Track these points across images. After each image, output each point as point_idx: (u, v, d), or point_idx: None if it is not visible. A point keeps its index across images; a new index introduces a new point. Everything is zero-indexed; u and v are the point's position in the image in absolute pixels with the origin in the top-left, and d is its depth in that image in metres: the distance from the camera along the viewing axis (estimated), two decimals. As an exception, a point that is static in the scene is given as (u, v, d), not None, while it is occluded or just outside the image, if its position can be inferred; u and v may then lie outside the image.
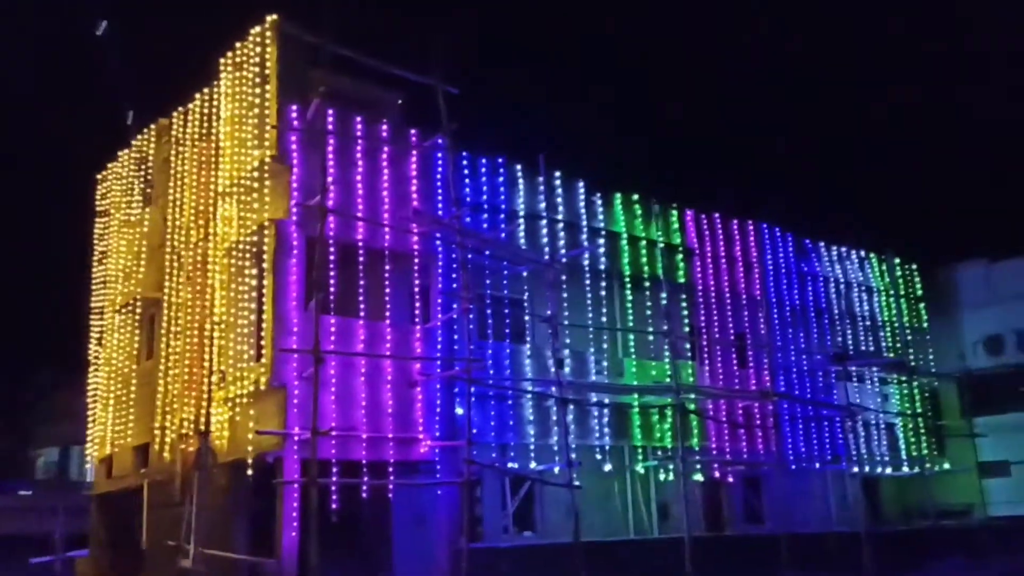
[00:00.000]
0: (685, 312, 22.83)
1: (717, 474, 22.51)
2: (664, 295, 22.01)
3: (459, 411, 17.48)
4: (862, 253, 28.94)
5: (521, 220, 20.07)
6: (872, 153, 58.82)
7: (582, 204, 21.56)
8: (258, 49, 17.35)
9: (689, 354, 22.63)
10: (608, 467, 20.41)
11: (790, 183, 45.86)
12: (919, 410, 28.49)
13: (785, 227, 26.47)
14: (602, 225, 21.85)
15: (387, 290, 17.02)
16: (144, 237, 21.78)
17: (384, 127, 17.84)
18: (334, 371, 15.69)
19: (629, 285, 21.92)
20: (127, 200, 22.94)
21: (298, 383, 15.29)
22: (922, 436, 28.20)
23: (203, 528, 16.68)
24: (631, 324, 21.69)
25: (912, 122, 59.30)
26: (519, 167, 20.46)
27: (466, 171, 19.44)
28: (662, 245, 22.67)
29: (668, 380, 20.71)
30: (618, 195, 22.51)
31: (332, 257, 16.16)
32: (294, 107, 16.70)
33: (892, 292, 29.17)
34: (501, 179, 20.11)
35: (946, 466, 28.35)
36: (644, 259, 22.36)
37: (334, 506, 15.04)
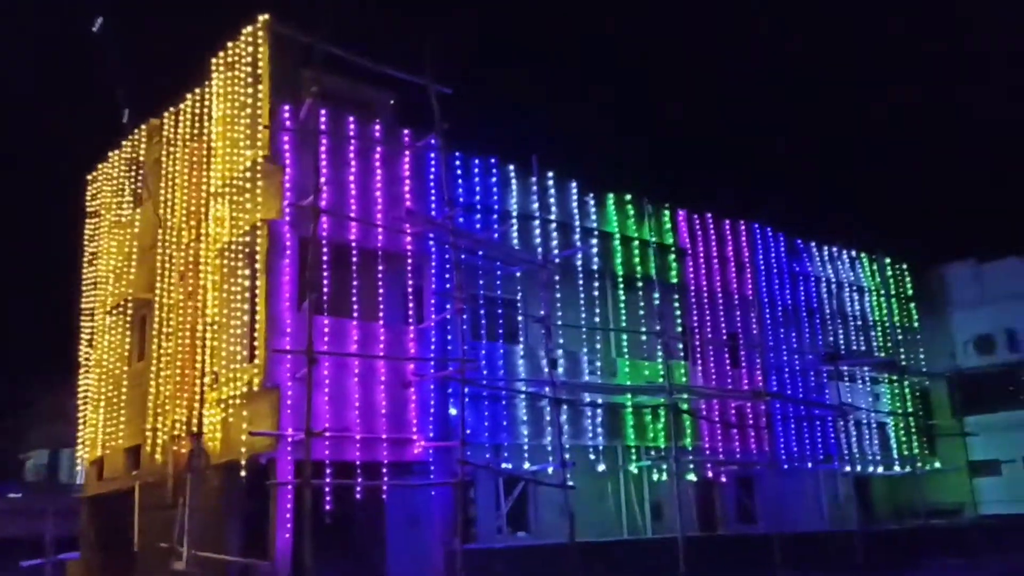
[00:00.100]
0: (678, 312, 22.85)
1: (710, 474, 22.54)
2: (657, 295, 22.04)
3: (453, 411, 17.47)
4: (853, 253, 29.04)
5: (514, 220, 20.07)
6: (863, 154, 59.09)
7: (575, 204, 21.57)
8: (250, 49, 17.29)
9: (682, 354, 22.67)
10: (602, 467, 20.41)
11: (781, 184, 46.03)
12: (910, 409, 28.62)
13: (777, 227, 26.55)
14: (595, 225, 21.86)
15: (380, 290, 16.96)
16: (135, 238, 21.68)
17: (377, 127, 17.80)
18: (327, 372, 15.65)
19: (622, 285, 21.94)
20: (118, 201, 22.84)
21: (291, 384, 15.24)
22: (913, 435, 28.33)
23: (196, 530, 16.60)
24: (624, 324, 21.70)
25: (903, 123, 59.61)
26: (512, 167, 20.45)
27: (459, 171, 19.44)
28: (655, 245, 22.68)
29: (661, 380, 20.76)
30: (611, 195, 22.53)
31: (325, 257, 16.11)
32: (286, 107, 16.64)
33: (883, 292, 29.29)
34: (494, 179, 20.10)
35: (937, 465, 28.47)
36: (637, 259, 22.38)
37: (328, 507, 14.98)
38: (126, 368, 21.11)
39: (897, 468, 27.44)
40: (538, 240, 20.26)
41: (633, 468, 21.30)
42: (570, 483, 17.51)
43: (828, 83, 62.60)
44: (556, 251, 20.31)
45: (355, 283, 16.58)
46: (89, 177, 24.32)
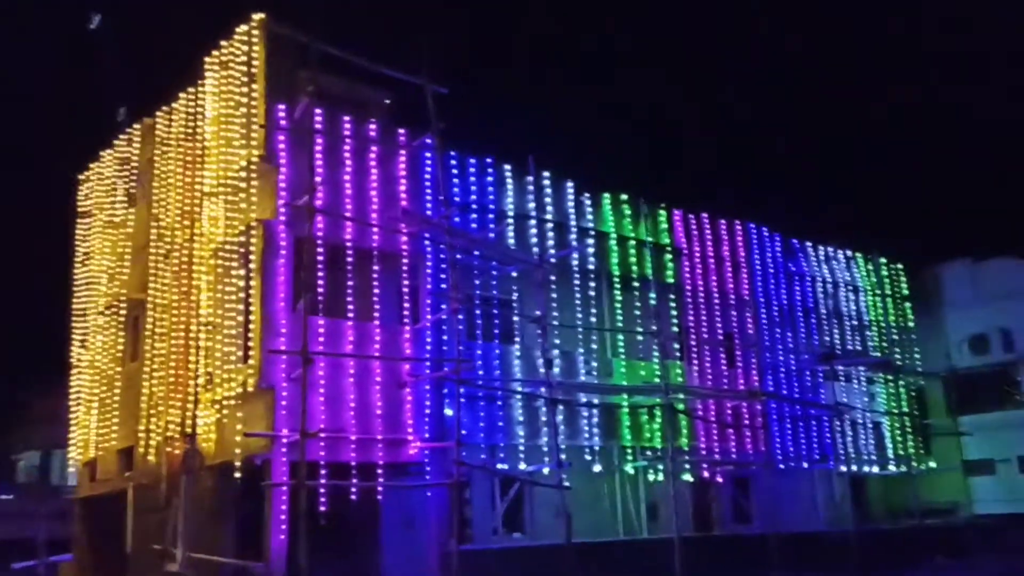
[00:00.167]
0: (674, 312, 22.81)
1: (706, 474, 22.51)
2: (653, 295, 22.00)
3: (448, 412, 17.39)
4: (849, 253, 29.06)
5: (510, 220, 20.00)
6: (858, 154, 59.20)
7: (571, 204, 21.50)
8: (245, 48, 17.19)
9: (678, 354, 22.62)
10: (597, 467, 20.35)
11: (777, 184, 46.08)
12: (905, 409, 28.65)
13: (773, 227, 26.55)
14: (591, 225, 21.81)
15: (376, 290, 16.89)
16: (128, 238, 21.55)
17: (372, 127, 17.72)
18: (323, 372, 15.56)
19: (618, 285, 21.89)
20: (110, 201, 22.69)
21: (286, 384, 15.15)
22: (908, 435, 28.35)
23: (190, 531, 16.48)
24: (620, 324, 21.64)
25: (899, 123, 59.76)
26: (508, 167, 20.38)
27: (455, 171, 19.35)
28: (651, 245, 22.64)
29: (657, 380, 20.70)
30: (607, 195, 22.47)
31: (320, 257, 16.04)
32: (282, 106, 16.55)
33: (878, 292, 29.31)
34: (490, 179, 20.02)
35: (932, 465, 28.51)
36: (633, 259, 22.33)
37: (323, 508, 14.91)
38: (119, 369, 20.97)
39: (892, 468, 27.46)
40: (534, 240, 20.20)
41: (629, 468, 21.25)
42: (566, 484, 17.44)
43: (823, 83, 62.78)
44: (552, 251, 20.25)
45: (350, 283, 16.51)
46: (81, 177, 24.16)
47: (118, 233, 22.03)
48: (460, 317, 16.93)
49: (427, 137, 17.59)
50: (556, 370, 19.28)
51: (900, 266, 30.64)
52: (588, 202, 21.95)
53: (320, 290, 15.94)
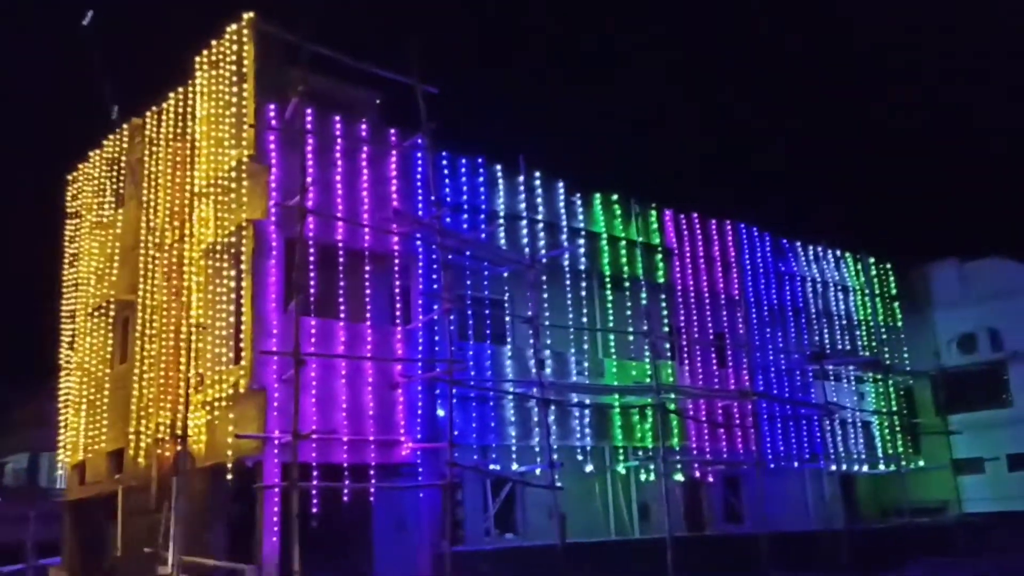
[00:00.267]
0: (665, 312, 22.84)
1: (697, 474, 22.54)
2: (644, 295, 22.02)
3: (440, 413, 17.36)
4: (838, 252, 29.16)
5: (501, 220, 19.97)
6: (848, 155, 59.45)
7: (562, 204, 21.49)
8: (235, 47, 17.12)
9: (669, 354, 22.65)
10: (589, 468, 20.35)
11: (767, 184, 46.26)
12: (894, 408, 28.76)
13: (762, 227, 26.61)
14: (582, 225, 21.81)
15: (367, 291, 16.82)
16: (117, 239, 21.42)
17: (363, 127, 17.67)
18: (314, 373, 15.49)
19: (609, 285, 21.90)
20: (99, 201, 22.55)
21: (278, 386, 15.08)
22: (898, 434, 28.48)
23: (181, 534, 16.38)
24: (611, 324, 21.65)
25: (887, 124, 59.99)
26: (499, 167, 20.36)
27: (446, 171, 19.31)
28: (641, 245, 22.66)
29: (648, 380, 20.71)
30: (597, 195, 22.48)
31: (312, 258, 15.96)
32: (272, 106, 16.47)
33: (867, 291, 29.42)
34: (481, 179, 19.99)
35: (921, 464, 28.61)
36: (624, 259, 22.34)
37: (315, 510, 14.85)
38: (108, 371, 20.84)
39: (882, 467, 27.57)
40: (525, 240, 20.17)
41: (621, 468, 21.26)
42: (558, 484, 17.43)
43: (813, 85, 63.00)
44: (543, 251, 20.23)
45: (342, 284, 16.44)
46: (69, 177, 24.02)
47: (107, 234, 21.90)
48: (452, 318, 16.88)
49: (418, 137, 17.54)
50: (548, 370, 19.26)
51: (889, 266, 30.77)
52: (579, 202, 21.95)
53: (311, 291, 15.86)
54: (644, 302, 21.83)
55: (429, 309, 17.61)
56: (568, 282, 21.04)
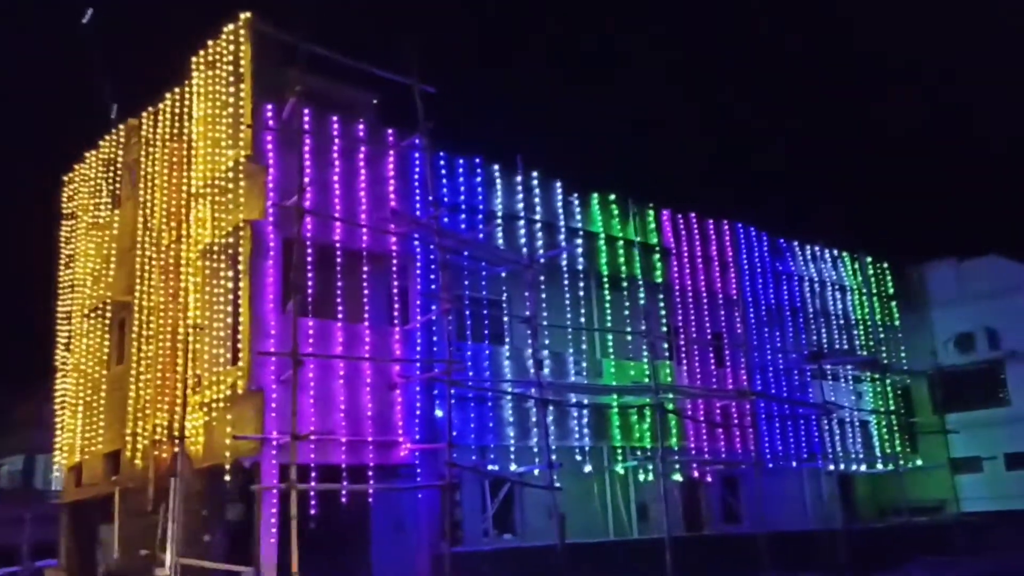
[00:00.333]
0: (663, 312, 22.82)
1: (696, 474, 22.52)
2: (642, 295, 22.01)
3: (439, 413, 17.31)
4: (835, 252, 29.18)
5: (499, 220, 19.93)
6: (845, 155, 59.50)
7: (559, 204, 21.46)
8: (232, 47, 17.05)
9: (667, 354, 22.62)
10: (588, 468, 20.32)
11: (765, 183, 46.29)
12: (892, 407, 28.77)
13: (760, 226, 26.61)
14: (580, 225, 21.78)
15: (365, 292, 16.78)
16: (113, 240, 21.34)
17: (361, 127, 17.62)
18: (312, 374, 15.44)
19: (607, 285, 21.87)
20: (95, 202, 22.48)
21: (276, 386, 15.03)
22: (895, 433, 28.48)
23: (178, 536, 16.33)
24: (609, 324, 21.62)
25: (884, 123, 60.06)
26: (497, 167, 20.32)
27: (444, 171, 19.27)
28: (639, 245, 22.64)
29: (647, 380, 20.68)
30: (595, 195, 22.45)
31: (309, 258, 15.91)
32: (269, 106, 16.42)
33: (865, 291, 29.43)
34: (479, 179, 19.95)
35: (919, 463, 28.62)
36: (622, 259, 22.32)
37: (313, 512, 14.79)
38: (105, 372, 20.77)
39: (880, 466, 27.57)
40: (523, 240, 20.14)
41: (619, 469, 21.24)
42: (557, 484, 17.39)
43: (813, 85, 63.07)
44: (541, 251, 20.19)
45: (340, 284, 16.39)
46: (65, 178, 23.94)
47: (103, 235, 21.83)
48: (449, 318, 16.83)
49: (415, 137, 17.51)
50: (546, 371, 19.22)
51: (886, 265, 30.79)
52: (577, 202, 21.92)
53: (309, 291, 15.81)
54: (642, 302, 21.83)
55: (427, 309, 17.57)
56: (566, 282, 21.01)
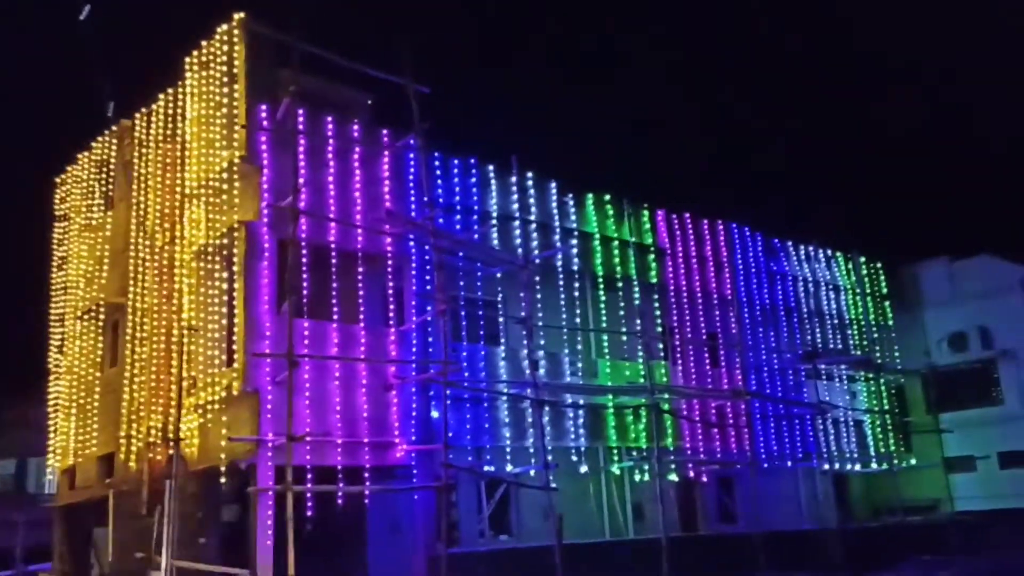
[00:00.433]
0: (658, 312, 22.83)
1: (691, 474, 22.53)
2: (637, 295, 22.02)
3: (435, 414, 17.26)
4: (829, 252, 29.24)
5: (494, 221, 19.91)
6: (839, 155, 59.64)
7: (554, 204, 21.46)
8: (225, 48, 17.00)
9: (662, 354, 22.62)
10: (584, 468, 20.31)
11: (759, 184, 46.35)
12: (886, 407, 28.84)
13: (757, 227, 26.67)
14: (575, 226, 21.77)
15: (361, 292, 16.74)
16: (107, 241, 21.24)
17: (355, 127, 17.57)
18: (308, 375, 15.38)
19: (602, 286, 21.87)
20: (88, 204, 22.38)
21: (271, 388, 14.98)
22: (889, 432, 28.55)
23: (173, 538, 16.24)
24: (604, 325, 21.62)
25: (877, 123, 60.22)
26: (492, 167, 20.30)
27: (439, 172, 19.24)
28: (634, 245, 22.63)
29: (642, 380, 20.67)
30: (590, 195, 22.45)
31: (304, 259, 15.85)
32: (263, 107, 16.36)
33: (858, 290, 29.50)
34: (474, 179, 19.94)
35: (913, 462, 28.69)
36: (617, 259, 22.33)
37: (309, 513, 14.74)
38: (98, 374, 20.66)
39: (874, 465, 27.63)
40: (518, 241, 20.14)
41: (615, 469, 21.23)
42: (553, 485, 17.37)
43: (813, 85, 63.20)
44: (536, 252, 20.17)
45: (335, 285, 16.34)
46: (57, 180, 23.82)
47: (96, 236, 21.72)
48: (445, 319, 16.78)
49: (410, 138, 17.47)
50: (542, 371, 19.21)
51: (879, 265, 30.89)
52: (571, 202, 21.92)
53: (304, 292, 15.76)
54: (637, 302, 21.85)
55: (423, 310, 17.53)
56: (561, 282, 21.00)
